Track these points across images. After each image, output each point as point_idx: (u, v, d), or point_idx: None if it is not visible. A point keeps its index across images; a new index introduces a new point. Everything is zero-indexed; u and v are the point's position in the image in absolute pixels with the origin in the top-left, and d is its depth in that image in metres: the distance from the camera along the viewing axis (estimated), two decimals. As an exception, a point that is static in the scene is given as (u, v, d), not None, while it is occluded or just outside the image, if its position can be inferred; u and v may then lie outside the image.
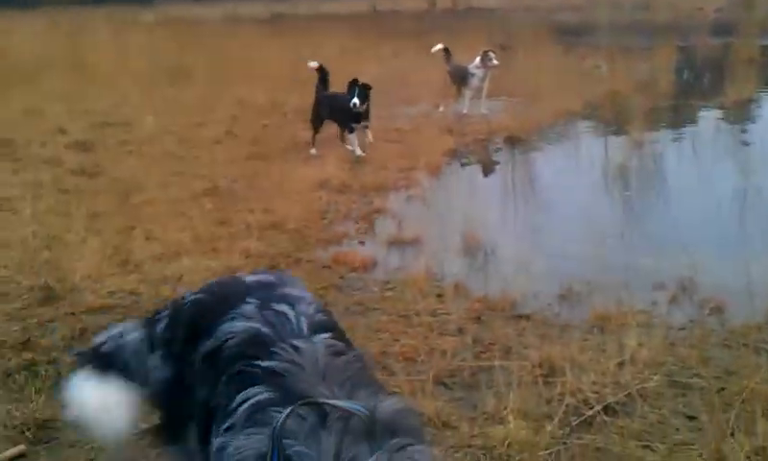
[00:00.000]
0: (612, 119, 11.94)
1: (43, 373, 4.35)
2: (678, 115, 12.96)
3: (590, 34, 23.25)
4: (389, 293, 5.78)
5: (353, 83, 9.74)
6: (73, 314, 5.19)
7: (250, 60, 17.90)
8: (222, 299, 2.15)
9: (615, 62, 16.17)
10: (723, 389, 4.08)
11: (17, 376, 4.35)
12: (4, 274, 5.88)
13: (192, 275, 5.74)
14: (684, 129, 11.97)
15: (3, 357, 4.57)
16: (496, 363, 4.43)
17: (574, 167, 9.68)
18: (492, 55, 12.78)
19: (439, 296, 5.67)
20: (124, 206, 7.86)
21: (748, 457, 3.41)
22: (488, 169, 10.24)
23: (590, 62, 17.80)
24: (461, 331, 5.01)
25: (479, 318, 5.24)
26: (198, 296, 2.28)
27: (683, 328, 4.99)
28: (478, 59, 12.84)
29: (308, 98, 10.78)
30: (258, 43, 21.15)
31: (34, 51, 18.74)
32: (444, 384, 4.35)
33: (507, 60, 15.80)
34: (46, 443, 3.76)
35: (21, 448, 3.67)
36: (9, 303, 5.40)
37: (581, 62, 17.86)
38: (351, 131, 9.99)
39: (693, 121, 12.67)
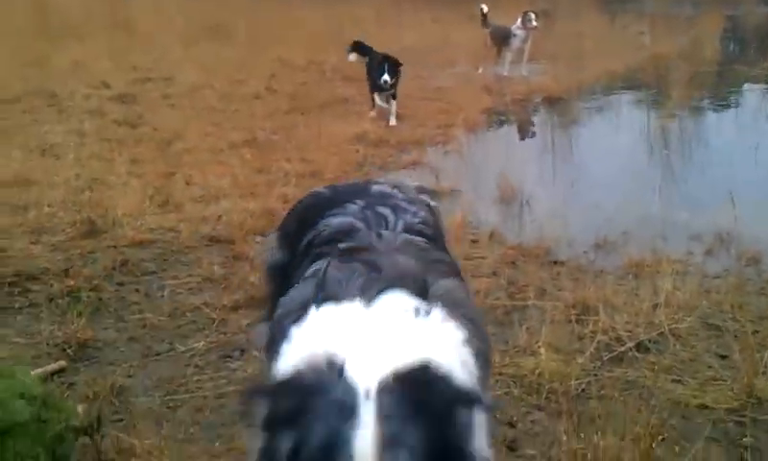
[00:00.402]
0: (654, 83, 11.77)
1: (85, 298, 4.47)
2: (721, 81, 12.74)
3: (636, 1, 22.85)
4: (424, 239, 5.81)
5: (384, 59, 9.67)
6: (114, 247, 5.32)
7: (288, 21, 17.93)
8: (333, 198, 2.28)
9: (660, 29, 15.93)
10: (757, 332, 4.07)
11: (60, 301, 4.47)
12: (48, 211, 6.01)
13: (231, 215, 5.85)
14: (726, 94, 11.78)
15: (46, 283, 4.70)
16: (530, 302, 4.48)
17: (613, 126, 9.62)
18: (532, 16, 12.68)
19: (474, 242, 5.70)
20: (165, 154, 7.98)
21: (779, 392, 3.42)
22: (525, 127, 10.20)
23: (634, 29, 17.53)
24: (495, 274, 5.04)
25: (514, 262, 5.26)
26: (316, 192, 2.47)
27: (718, 277, 4.97)
28: (519, 20, 12.75)
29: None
30: (297, 4, 21.11)
31: (79, 9, 18.92)
32: (478, 321, 4.39)
33: (549, 26, 15.69)
34: (86, 361, 3.89)
35: (62, 363, 3.80)
36: (53, 236, 5.53)
37: (624, 29, 17.59)
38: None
39: (736, 87, 12.44)
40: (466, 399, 1.51)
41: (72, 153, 7.59)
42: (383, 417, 1.39)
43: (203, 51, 14.33)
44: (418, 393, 1.44)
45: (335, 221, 2.13)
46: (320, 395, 1.44)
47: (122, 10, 18.57)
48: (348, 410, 1.40)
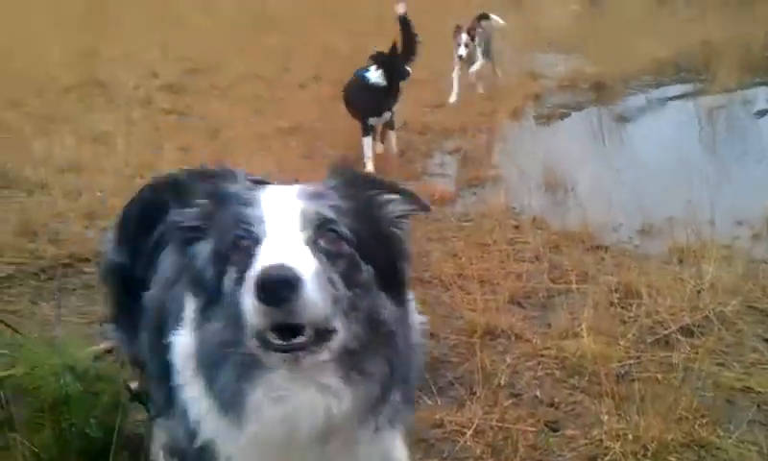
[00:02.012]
0: (703, 69, 11.56)
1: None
2: (772, 66, 12.42)
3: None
4: (466, 223, 5.85)
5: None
6: (163, 232, 5.43)
7: (334, 8, 17.98)
8: None
9: (711, 14, 15.57)
10: (804, 314, 4.04)
11: (113, 283, 4.59)
12: (99, 196, 6.17)
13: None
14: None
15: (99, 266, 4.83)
16: (573, 286, 4.47)
17: (661, 112, 9.48)
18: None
19: (516, 227, 5.72)
20: (212, 142, 8.13)
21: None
22: (571, 113, 10.04)
23: (684, 14, 17.18)
24: (537, 258, 5.05)
25: (557, 247, 5.25)
26: None
27: (765, 262, 4.92)
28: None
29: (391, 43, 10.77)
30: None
31: (130, 1, 19.22)
32: (519, 304, 4.42)
33: (597, 12, 15.51)
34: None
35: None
36: (104, 221, 5.66)
37: (673, 14, 17.25)
38: None
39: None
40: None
41: (122, 140, 7.75)
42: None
43: (249, 40, 14.47)
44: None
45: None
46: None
47: (172, 2, 18.79)
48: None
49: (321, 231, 1.64)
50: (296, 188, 1.74)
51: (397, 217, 1.82)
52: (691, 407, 3.19)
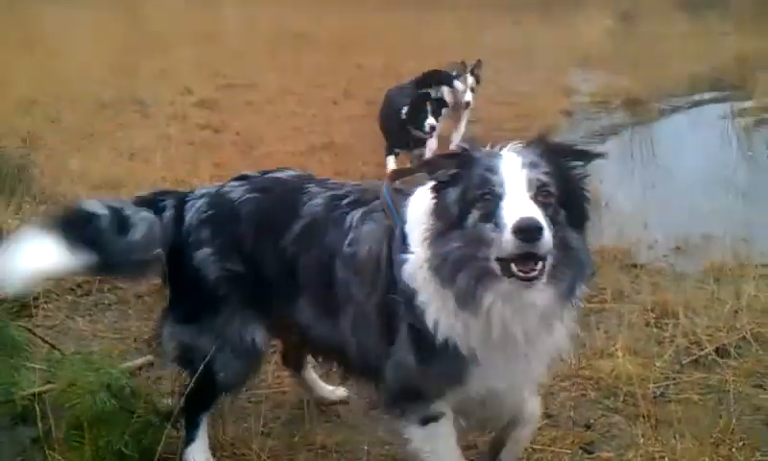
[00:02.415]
0: (738, 85, 11.47)
1: (170, 295, 4.64)
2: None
3: (720, 2, 22.20)
4: (499, 241, 5.82)
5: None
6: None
7: (368, 27, 18.11)
8: None
9: (746, 30, 15.43)
10: (844, 335, 3.96)
11: (147, 298, 4.65)
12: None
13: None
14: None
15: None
16: (607, 305, 4.44)
17: (696, 129, 9.40)
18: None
19: (551, 245, 5.67)
20: (246, 158, 8.18)
21: None
22: (605, 129, 10.00)
23: (718, 29, 17.03)
24: (572, 276, 5.00)
25: (592, 265, 5.21)
26: None
27: (804, 281, 4.84)
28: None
29: (425, 64, 10.83)
30: (377, 9, 21.30)
31: (169, 20, 19.51)
32: (553, 323, 4.37)
33: (631, 27, 15.43)
34: None
35: (149, 358, 3.93)
36: (141, 237, 5.74)
37: (708, 29, 17.12)
38: None
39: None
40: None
41: (158, 156, 7.83)
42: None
43: (285, 57, 14.63)
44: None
45: None
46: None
47: (211, 20, 19.04)
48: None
49: (539, 191, 2.32)
50: (519, 159, 2.37)
51: (581, 175, 2.53)
52: (729, 430, 3.14)
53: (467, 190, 2.39)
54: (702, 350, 3.90)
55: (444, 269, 2.39)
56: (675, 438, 3.10)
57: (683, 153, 8.25)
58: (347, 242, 2.72)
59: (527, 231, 2.17)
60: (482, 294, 2.36)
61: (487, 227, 2.30)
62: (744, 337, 3.97)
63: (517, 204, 2.25)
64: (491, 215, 2.29)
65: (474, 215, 2.35)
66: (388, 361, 2.67)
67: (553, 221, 2.30)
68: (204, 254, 2.86)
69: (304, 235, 2.80)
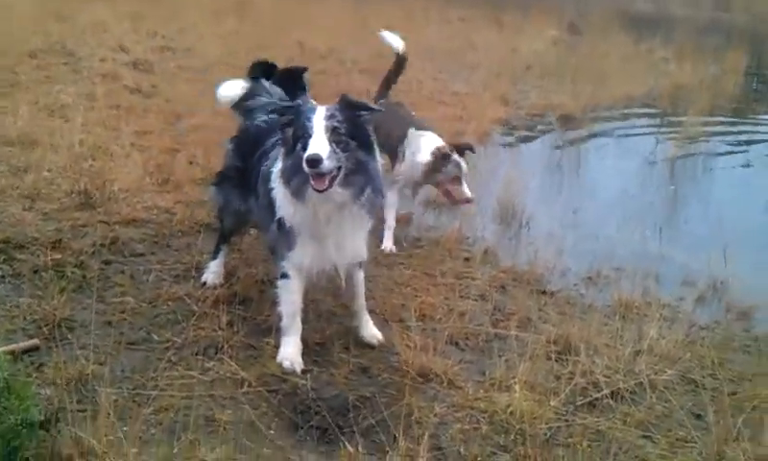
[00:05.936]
0: (671, 112, 11.71)
1: (69, 274, 4.47)
2: (738, 118, 12.57)
3: (665, 27, 22.60)
4: (418, 250, 5.79)
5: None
6: (107, 223, 5.31)
7: (315, 7, 17.86)
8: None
9: (685, 57, 15.73)
10: (735, 393, 4.04)
11: (44, 274, 4.46)
12: (46, 175, 6.01)
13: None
14: (741, 132, 11.64)
15: (33, 254, 4.68)
16: (512, 332, 4.44)
17: (623, 152, 9.54)
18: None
19: (466, 259, 5.68)
20: (172, 129, 7.98)
21: (749, 464, 3.37)
22: (535, 143, 10.03)
23: (660, 54, 17.33)
24: (483, 297, 5.01)
25: (503, 287, 5.23)
26: None
27: (705, 328, 4.94)
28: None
29: (367, 49, 10.70)
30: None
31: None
32: (457, 345, 4.36)
33: (575, 42, 15.55)
34: (60, 341, 3.77)
35: (35, 342, 3.75)
36: (47, 204, 5.52)
37: (650, 53, 17.40)
38: None
39: (752, 126, 12.31)
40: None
41: (80, 116, 7.53)
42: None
43: (226, 27, 14.31)
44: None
45: None
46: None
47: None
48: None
49: (333, 133, 3.57)
50: (323, 110, 3.62)
51: (365, 120, 3.76)
52: (611, 482, 3.16)
53: (296, 130, 3.68)
54: (598, 392, 3.91)
55: (284, 176, 3.77)
56: (558, 484, 3.09)
57: (608, 178, 8.36)
58: (266, 162, 4.10)
59: (311, 162, 3.46)
60: (305, 191, 3.67)
61: (303, 154, 3.53)
62: (641, 383, 4.00)
63: (313, 142, 3.52)
64: (305, 147, 3.53)
65: (298, 146, 3.63)
66: (269, 231, 4.06)
67: (344, 149, 3.60)
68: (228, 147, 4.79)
69: (260, 157, 4.20)
